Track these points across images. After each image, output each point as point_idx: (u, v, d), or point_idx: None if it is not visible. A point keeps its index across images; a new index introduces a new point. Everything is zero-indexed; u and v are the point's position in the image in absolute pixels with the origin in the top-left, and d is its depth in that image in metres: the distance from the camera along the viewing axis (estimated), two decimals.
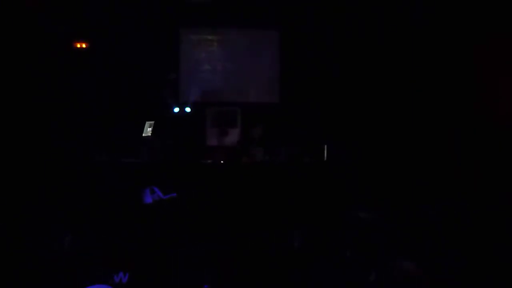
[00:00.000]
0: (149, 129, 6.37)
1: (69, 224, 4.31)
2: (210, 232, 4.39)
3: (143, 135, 6.33)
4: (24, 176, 5.16)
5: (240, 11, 6.52)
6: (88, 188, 5.23)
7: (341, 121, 6.52)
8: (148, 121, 6.42)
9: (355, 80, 6.45)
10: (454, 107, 5.62)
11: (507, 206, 4.40)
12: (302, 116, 6.72)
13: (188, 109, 6.90)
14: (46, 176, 5.29)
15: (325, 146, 6.37)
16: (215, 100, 7.00)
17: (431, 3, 5.57)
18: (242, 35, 6.99)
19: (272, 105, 6.94)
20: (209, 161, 6.49)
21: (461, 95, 5.58)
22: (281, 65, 6.96)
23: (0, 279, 3.21)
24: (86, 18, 6.23)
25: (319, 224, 4.78)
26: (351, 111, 6.46)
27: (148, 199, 4.92)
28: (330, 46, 6.54)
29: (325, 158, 6.37)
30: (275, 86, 6.98)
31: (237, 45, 7.02)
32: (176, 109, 6.82)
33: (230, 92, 7.03)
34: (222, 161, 6.47)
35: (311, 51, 6.67)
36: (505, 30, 5.26)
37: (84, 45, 6.37)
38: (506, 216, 4.22)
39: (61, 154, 5.78)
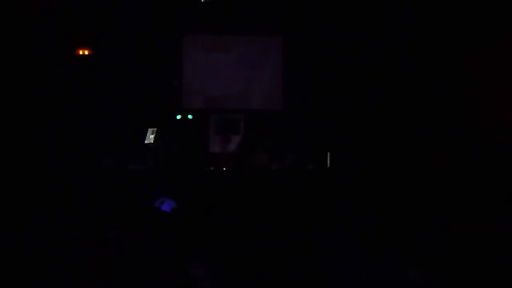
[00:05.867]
0: (152, 136, 6.46)
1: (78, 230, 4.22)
2: (214, 239, 4.17)
3: (146, 142, 6.45)
4: (31, 183, 5.22)
5: (244, 17, 6.61)
6: (94, 194, 5.27)
7: (344, 128, 6.58)
8: (151, 128, 6.50)
9: (358, 88, 6.51)
10: (449, 116, 5.77)
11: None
12: (306, 123, 6.79)
13: (190, 116, 6.96)
14: (53, 182, 5.36)
15: (328, 153, 6.45)
16: (219, 107, 7.05)
17: (428, 19, 5.72)
18: (246, 41, 7.06)
19: (276, 112, 7.00)
20: (212, 168, 6.58)
21: (457, 104, 5.73)
22: (284, 72, 7.02)
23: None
24: (89, 25, 6.31)
25: (322, 230, 4.63)
26: (355, 118, 6.52)
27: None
28: (334, 54, 6.63)
29: (328, 165, 6.45)
30: (279, 93, 7.04)
31: (240, 51, 7.07)
32: (179, 116, 6.88)
33: (234, 99, 7.07)
34: (225, 168, 6.55)
35: (314, 58, 6.75)
36: (497, 44, 5.45)
37: (87, 52, 6.45)
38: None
39: (66, 161, 5.90)
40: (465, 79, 5.82)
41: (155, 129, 6.57)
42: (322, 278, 3.62)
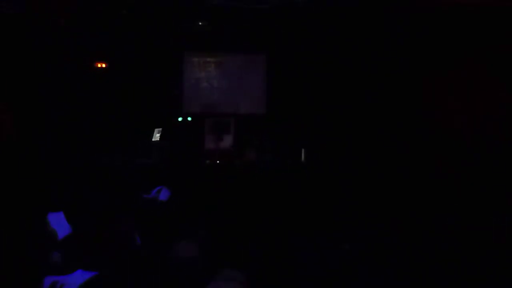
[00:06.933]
0: (158, 135, 6.94)
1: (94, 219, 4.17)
2: (207, 222, 4.43)
3: (153, 140, 6.89)
4: (53, 175, 5.71)
5: (234, 38, 7.01)
6: (106, 185, 5.64)
7: (316, 129, 7.12)
8: (157, 128, 6.97)
9: (328, 95, 7.08)
10: (408, 123, 6.28)
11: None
12: (285, 125, 7.24)
13: (190, 119, 7.36)
14: (74, 175, 5.85)
15: (303, 149, 6.97)
16: (212, 111, 7.39)
17: (396, 42, 6.21)
18: (235, 58, 7.43)
19: (260, 116, 7.39)
20: (207, 161, 6.97)
21: (415, 112, 6.22)
22: (267, 83, 7.41)
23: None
24: (106, 43, 6.78)
25: (302, 214, 5.22)
26: (325, 121, 7.10)
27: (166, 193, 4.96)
28: (308, 68, 7.14)
29: (303, 160, 6.97)
30: (262, 100, 7.42)
31: (231, 66, 7.42)
32: (180, 119, 7.31)
33: (225, 105, 7.41)
34: (218, 162, 6.96)
35: (292, 71, 7.20)
36: (450, 64, 5.88)
37: (104, 65, 6.92)
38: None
39: (83, 156, 6.34)
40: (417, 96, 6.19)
41: (161, 129, 6.96)
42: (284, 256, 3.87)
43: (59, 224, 3.53)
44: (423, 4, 5.64)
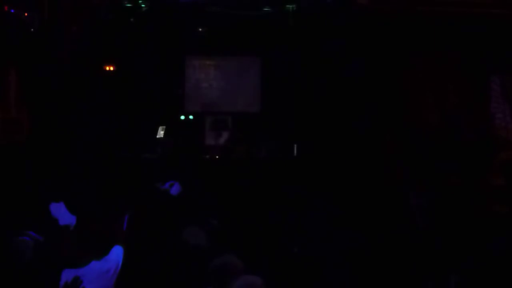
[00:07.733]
0: (162, 132, 7.30)
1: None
2: (207, 211, 4.63)
3: (157, 136, 7.24)
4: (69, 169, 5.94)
5: (231, 42, 7.38)
6: (117, 177, 5.88)
7: (307, 126, 7.40)
8: (161, 125, 7.33)
9: (317, 94, 7.31)
10: (388, 121, 6.71)
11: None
12: (278, 122, 7.55)
13: (191, 117, 7.75)
14: (89, 167, 6.14)
15: (295, 145, 7.32)
16: (212, 110, 7.79)
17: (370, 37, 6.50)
18: (232, 61, 7.83)
19: (255, 114, 7.75)
20: (207, 156, 7.37)
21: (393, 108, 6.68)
22: (261, 84, 7.77)
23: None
24: (114, 47, 7.12)
25: (288, 201, 5.57)
26: (315, 119, 7.33)
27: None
28: (299, 70, 7.45)
29: (295, 154, 7.32)
30: (257, 99, 7.77)
31: (228, 68, 7.82)
32: (182, 117, 7.71)
33: (223, 103, 7.79)
34: (217, 156, 7.34)
35: (284, 73, 7.50)
36: (427, 60, 6.50)
37: (112, 68, 7.25)
38: None
39: (94, 152, 6.60)
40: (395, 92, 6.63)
41: (164, 126, 7.29)
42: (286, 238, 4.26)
43: (59, 213, 3.60)
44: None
